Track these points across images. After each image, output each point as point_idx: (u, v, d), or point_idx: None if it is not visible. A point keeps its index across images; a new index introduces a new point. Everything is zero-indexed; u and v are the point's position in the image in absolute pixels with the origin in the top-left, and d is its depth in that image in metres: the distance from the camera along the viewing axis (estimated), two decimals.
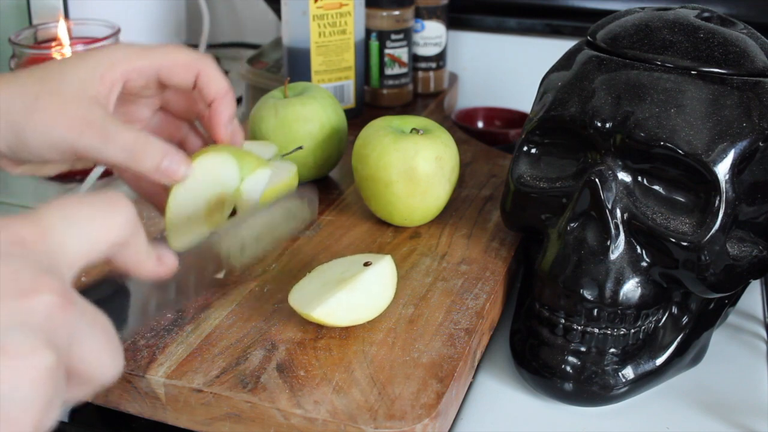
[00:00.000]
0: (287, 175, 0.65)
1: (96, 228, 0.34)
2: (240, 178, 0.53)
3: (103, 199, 0.34)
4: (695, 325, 0.56)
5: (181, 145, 0.56)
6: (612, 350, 0.54)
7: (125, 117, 0.54)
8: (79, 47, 0.78)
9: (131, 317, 0.41)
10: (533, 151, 0.59)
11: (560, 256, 0.54)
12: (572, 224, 0.54)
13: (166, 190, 0.51)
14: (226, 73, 1.15)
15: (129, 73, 0.49)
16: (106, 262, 0.37)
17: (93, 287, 0.39)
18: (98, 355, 0.33)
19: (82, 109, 0.46)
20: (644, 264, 0.53)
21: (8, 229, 0.31)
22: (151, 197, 0.54)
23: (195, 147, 0.57)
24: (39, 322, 0.29)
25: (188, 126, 0.57)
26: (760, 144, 0.52)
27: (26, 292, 0.29)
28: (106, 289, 0.39)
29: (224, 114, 0.52)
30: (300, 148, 0.69)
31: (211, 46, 1.23)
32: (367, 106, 0.93)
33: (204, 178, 0.51)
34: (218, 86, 0.51)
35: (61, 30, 0.81)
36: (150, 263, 0.38)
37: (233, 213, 0.54)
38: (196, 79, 0.51)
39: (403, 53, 0.92)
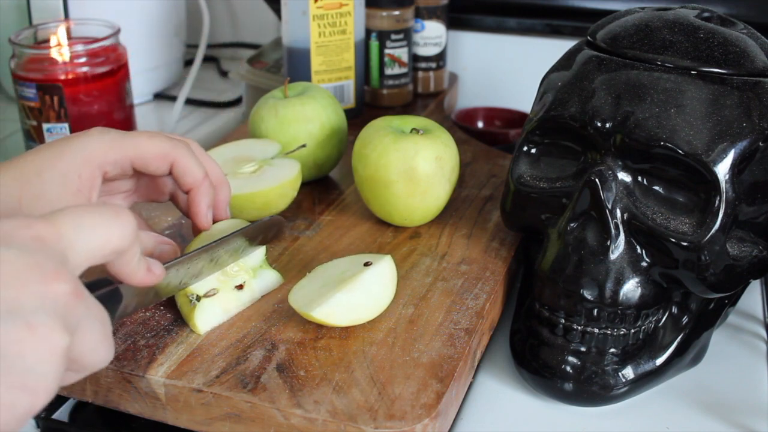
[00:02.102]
0: (291, 173, 0.65)
1: (101, 235, 0.37)
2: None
3: (109, 209, 0.38)
4: (695, 325, 0.56)
5: (173, 198, 0.57)
6: (612, 350, 0.54)
7: (108, 191, 0.54)
8: (79, 47, 0.78)
9: (118, 314, 0.47)
10: (533, 151, 0.59)
11: (560, 256, 0.54)
12: (572, 224, 0.54)
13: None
14: (226, 73, 1.15)
15: (105, 166, 0.49)
16: (101, 269, 0.40)
17: (89, 286, 0.42)
18: (96, 345, 0.36)
19: None
20: (644, 264, 0.53)
21: (29, 227, 0.34)
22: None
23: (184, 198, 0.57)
24: (59, 307, 0.33)
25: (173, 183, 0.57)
26: (760, 144, 0.52)
27: (49, 280, 0.33)
28: (100, 289, 0.44)
29: (202, 204, 0.53)
30: (303, 146, 0.69)
31: (211, 46, 1.23)
32: (367, 106, 0.93)
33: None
34: (193, 177, 0.52)
35: (61, 31, 0.81)
36: (141, 272, 0.42)
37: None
38: (171, 168, 0.51)
39: (403, 53, 0.92)
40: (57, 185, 0.47)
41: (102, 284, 0.44)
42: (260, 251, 0.57)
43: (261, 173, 0.65)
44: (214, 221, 0.55)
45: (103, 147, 0.49)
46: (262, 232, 0.57)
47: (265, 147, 0.68)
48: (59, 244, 0.35)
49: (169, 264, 0.50)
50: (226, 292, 0.54)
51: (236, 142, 0.69)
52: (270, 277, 0.57)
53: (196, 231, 0.56)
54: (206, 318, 0.53)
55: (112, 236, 0.38)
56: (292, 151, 0.69)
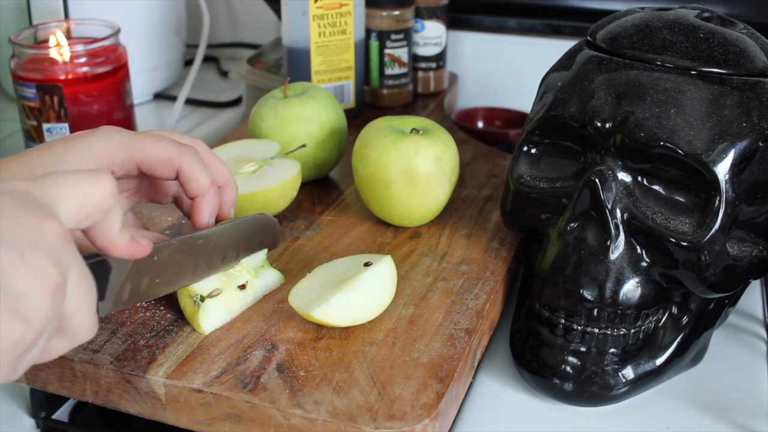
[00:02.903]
0: (291, 173, 0.65)
1: (82, 191, 0.38)
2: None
3: (89, 171, 0.39)
4: (695, 325, 0.56)
5: (177, 201, 0.57)
6: (612, 350, 0.54)
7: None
8: (79, 47, 0.78)
9: (108, 296, 0.46)
10: (533, 151, 0.59)
11: (560, 256, 0.54)
12: (572, 224, 0.54)
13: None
14: (226, 73, 1.15)
15: (112, 166, 0.49)
16: (88, 243, 0.42)
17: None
18: (82, 305, 0.37)
19: None
20: (644, 264, 0.53)
21: (13, 184, 0.36)
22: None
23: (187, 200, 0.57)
24: (50, 245, 0.34)
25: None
26: (760, 144, 0.52)
27: (40, 219, 0.35)
28: (91, 261, 0.44)
29: (204, 212, 0.52)
30: (303, 146, 0.69)
31: (211, 46, 1.23)
32: (367, 106, 0.93)
33: None
34: (198, 184, 0.51)
35: (61, 31, 0.81)
36: (124, 240, 0.42)
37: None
38: (177, 174, 0.51)
39: (403, 53, 0.92)
40: None
41: (90, 258, 0.44)
42: (261, 251, 0.57)
43: (261, 173, 0.65)
44: (217, 221, 0.55)
45: (111, 147, 0.49)
46: (257, 231, 0.57)
47: (265, 147, 0.68)
48: (45, 197, 0.36)
49: (160, 244, 0.49)
50: (229, 292, 0.54)
51: (236, 142, 0.69)
52: (272, 277, 0.57)
53: None
54: (211, 318, 0.53)
55: (94, 190, 0.39)
56: (292, 151, 0.69)
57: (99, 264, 0.45)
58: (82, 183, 0.38)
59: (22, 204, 0.34)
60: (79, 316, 0.37)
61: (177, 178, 0.51)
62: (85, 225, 0.40)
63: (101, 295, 0.46)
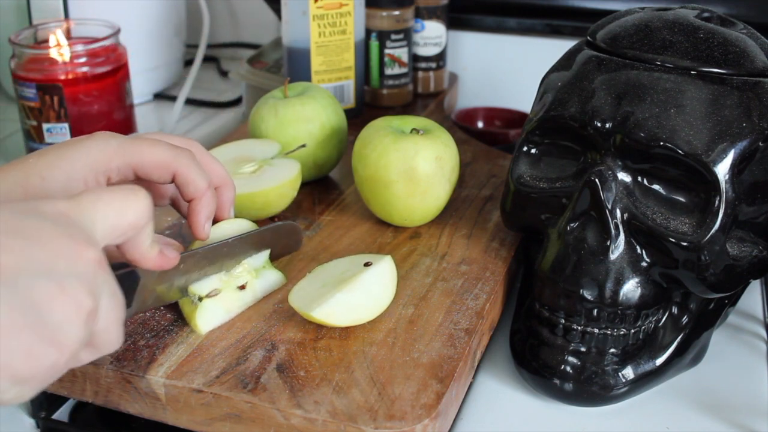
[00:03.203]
0: (291, 173, 0.65)
1: (118, 208, 0.40)
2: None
3: (125, 187, 0.41)
4: (695, 325, 0.56)
5: (174, 203, 0.57)
6: (612, 350, 0.54)
7: None
8: (79, 47, 0.78)
9: (134, 304, 0.49)
10: (533, 151, 0.59)
11: (560, 256, 0.54)
12: (572, 224, 0.54)
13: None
14: (226, 73, 1.15)
15: (108, 172, 0.49)
16: (119, 254, 0.44)
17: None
18: (109, 324, 0.38)
19: None
20: (644, 264, 0.53)
21: (54, 205, 0.37)
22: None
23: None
24: (87, 273, 0.36)
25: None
26: (760, 144, 0.52)
27: (80, 248, 0.36)
28: (121, 272, 0.47)
29: (201, 215, 0.52)
30: (303, 146, 0.69)
31: (211, 46, 1.23)
32: (367, 106, 0.93)
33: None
34: (195, 187, 0.51)
35: (61, 31, 0.81)
36: (154, 253, 0.45)
37: None
38: (173, 178, 0.51)
39: (403, 53, 0.92)
40: (61, 190, 0.47)
41: (120, 267, 0.46)
42: (264, 252, 0.57)
43: (261, 173, 0.65)
44: (217, 221, 0.55)
45: (107, 153, 0.49)
46: (279, 238, 0.58)
47: (265, 147, 0.68)
48: (82, 218, 0.38)
49: (186, 253, 0.51)
50: (228, 292, 0.54)
51: (236, 142, 0.69)
52: (273, 278, 0.57)
53: None
54: (208, 318, 0.53)
55: (129, 210, 0.40)
56: (292, 151, 0.69)
57: (128, 275, 0.47)
58: (118, 202, 0.40)
59: (64, 231, 0.36)
60: (108, 332, 0.39)
61: (174, 181, 0.51)
62: (120, 241, 0.42)
63: (128, 303, 0.48)
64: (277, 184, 0.64)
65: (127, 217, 0.40)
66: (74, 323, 0.35)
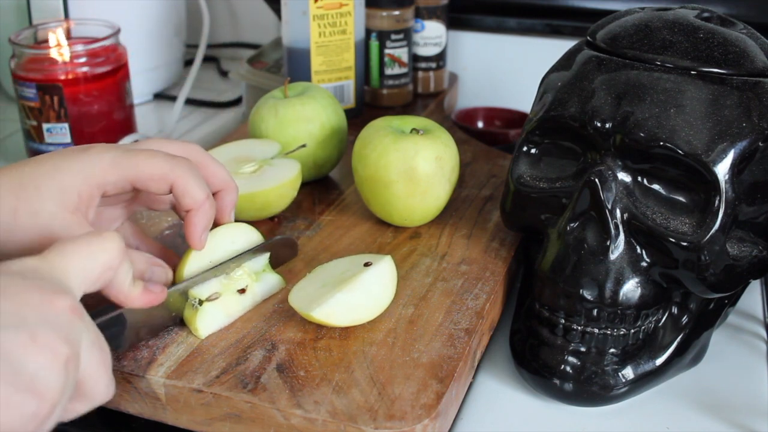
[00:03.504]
0: (291, 173, 0.65)
1: (88, 254, 0.40)
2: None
3: (91, 233, 0.41)
4: (695, 325, 0.56)
5: (175, 207, 0.56)
6: (612, 350, 0.54)
7: (108, 202, 0.53)
8: (79, 47, 0.78)
9: (125, 343, 0.50)
10: (533, 151, 0.59)
11: (560, 256, 0.54)
12: (572, 224, 0.54)
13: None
14: (226, 73, 1.15)
15: (104, 186, 0.49)
16: (101, 296, 0.44)
17: (93, 315, 0.43)
18: (97, 370, 0.39)
19: (63, 231, 0.47)
20: (644, 264, 0.53)
21: (22, 263, 0.38)
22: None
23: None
24: (60, 321, 0.36)
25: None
26: (760, 144, 0.52)
27: (50, 298, 0.36)
28: (103, 317, 0.47)
29: (198, 226, 0.52)
30: (303, 146, 0.69)
31: (211, 46, 1.23)
32: (367, 106, 0.93)
33: (216, 247, 0.55)
34: (192, 199, 0.50)
35: (61, 31, 0.81)
36: (137, 291, 0.45)
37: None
38: (171, 189, 0.50)
39: (403, 53, 0.92)
40: (55, 201, 0.47)
41: (106, 312, 0.47)
42: (264, 255, 0.57)
43: (261, 173, 0.65)
44: (217, 224, 0.54)
45: (103, 167, 0.48)
46: (279, 248, 0.58)
47: (265, 147, 0.68)
48: (53, 271, 0.38)
49: (174, 288, 0.51)
50: (228, 296, 0.54)
51: (236, 142, 0.69)
52: (272, 281, 0.57)
53: None
54: (208, 322, 0.53)
55: (99, 253, 0.41)
56: (292, 151, 0.69)
57: (115, 319, 0.48)
58: (85, 248, 0.40)
59: (32, 284, 0.36)
60: (95, 380, 0.39)
61: (171, 192, 0.50)
62: (98, 287, 0.42)
63: (118, 345, 0.50)
64: (277, 184, 0.64)
65: (98, 260, 0.41)
66: (52, 371, 0.35)
